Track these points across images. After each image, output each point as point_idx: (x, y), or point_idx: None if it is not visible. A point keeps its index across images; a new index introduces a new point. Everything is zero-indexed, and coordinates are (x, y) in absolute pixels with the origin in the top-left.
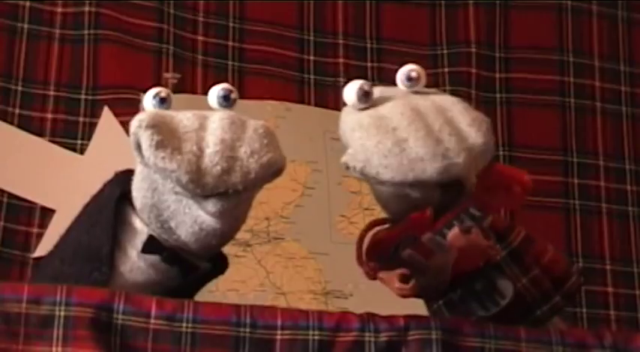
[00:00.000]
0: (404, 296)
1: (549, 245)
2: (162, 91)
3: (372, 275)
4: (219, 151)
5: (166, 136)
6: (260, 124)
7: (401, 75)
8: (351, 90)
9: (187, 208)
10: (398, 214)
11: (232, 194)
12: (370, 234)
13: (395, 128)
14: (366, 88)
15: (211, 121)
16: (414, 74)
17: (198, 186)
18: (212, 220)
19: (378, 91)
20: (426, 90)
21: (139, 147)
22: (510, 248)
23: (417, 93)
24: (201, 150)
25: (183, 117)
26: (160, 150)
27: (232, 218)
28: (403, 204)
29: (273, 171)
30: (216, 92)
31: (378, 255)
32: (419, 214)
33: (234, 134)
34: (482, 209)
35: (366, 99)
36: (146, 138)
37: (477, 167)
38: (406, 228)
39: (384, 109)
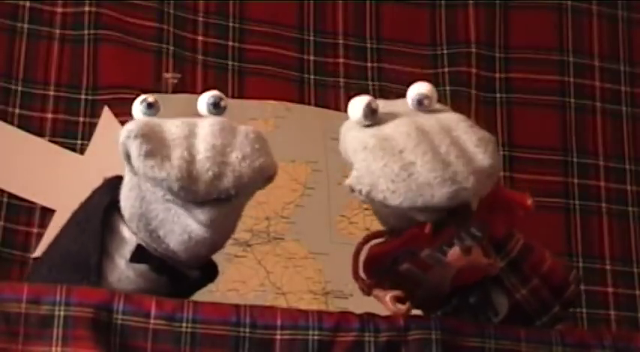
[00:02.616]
0: (399, 317)
1: (547, 252)
2: (150, 97)
3: (367, 292)
4: (210, 157)
5: (155, 145)
6: (251, 129)
7: (413, 96)
8: (357, 107)
9: (176, 217)
10: (397, 228)
11: (224, 202)
12: (367, 247)
13: (401, 150)
14: (374, 105)
15: (200, 128)
16: (426, 102)
17: (190, 193)
18: (201, 229)
19: (380, 106)
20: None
21: (128, 157)
22: (509, 258)
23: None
24: (191, 156)
25: (172, 125)
26: (149, 159)
27: (222, 227)
28: (406, 222)
29: (265, 176)
30: (205, 99)
31: (375, 268)
32: (418, 229)
33: (225, 139)
34: (482, 229)
35: (372, 116)
36: (135, 148)
37: (484, 189)
38: (404, 242)
39: (388, 129)
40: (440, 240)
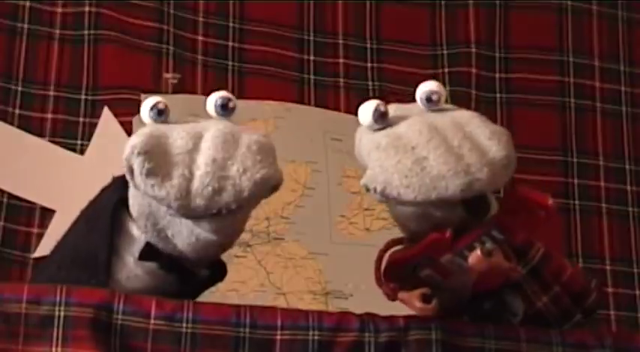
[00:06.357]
0: (425, 315)
1: (567, 260)
2: (160, 103)
3: (393, 296)
4: (209, 172)
5: (158, 163)
6: (254, 139)
7: (421, 94)
8: (366, 112)
9: (183, 220)
10: (418, 233)
11: (226, 214)
12: (388, 253)
13: (414, 147)
14: (382, 108)
15: (204, 140)
16: (434, 97)
17: (189, 210)
18: (208, 234)
19: (392, 109)
20: (444, 106)
21: (131, 172)
22: (530, 265)
23: (433, 110)
24: (191, 173)
25: (178, 137)
26: (150, 178)
27: (229, 232)
28: (424, 223)
29: (267, 187)
30: (213, 101)
31: (396, 274)
32: (438, 235)
33: (227, 153)
34: (504, 231)
35: (382, 120)
36: (138, 165)
37: (500, 181)
38: (425, 248)
39: (400, 128)
40: (460, 245)
